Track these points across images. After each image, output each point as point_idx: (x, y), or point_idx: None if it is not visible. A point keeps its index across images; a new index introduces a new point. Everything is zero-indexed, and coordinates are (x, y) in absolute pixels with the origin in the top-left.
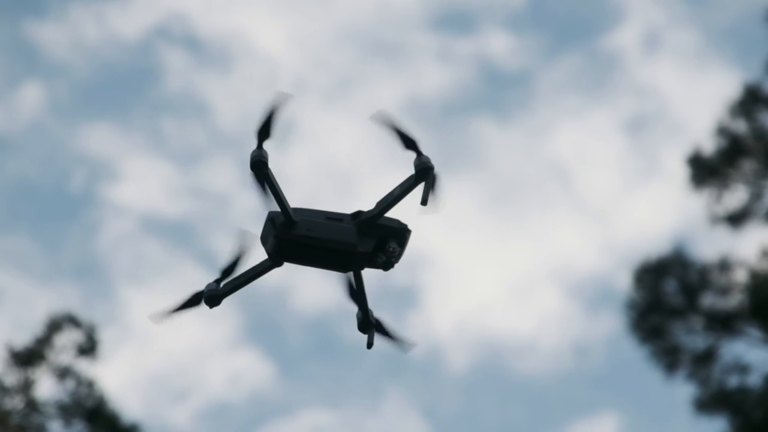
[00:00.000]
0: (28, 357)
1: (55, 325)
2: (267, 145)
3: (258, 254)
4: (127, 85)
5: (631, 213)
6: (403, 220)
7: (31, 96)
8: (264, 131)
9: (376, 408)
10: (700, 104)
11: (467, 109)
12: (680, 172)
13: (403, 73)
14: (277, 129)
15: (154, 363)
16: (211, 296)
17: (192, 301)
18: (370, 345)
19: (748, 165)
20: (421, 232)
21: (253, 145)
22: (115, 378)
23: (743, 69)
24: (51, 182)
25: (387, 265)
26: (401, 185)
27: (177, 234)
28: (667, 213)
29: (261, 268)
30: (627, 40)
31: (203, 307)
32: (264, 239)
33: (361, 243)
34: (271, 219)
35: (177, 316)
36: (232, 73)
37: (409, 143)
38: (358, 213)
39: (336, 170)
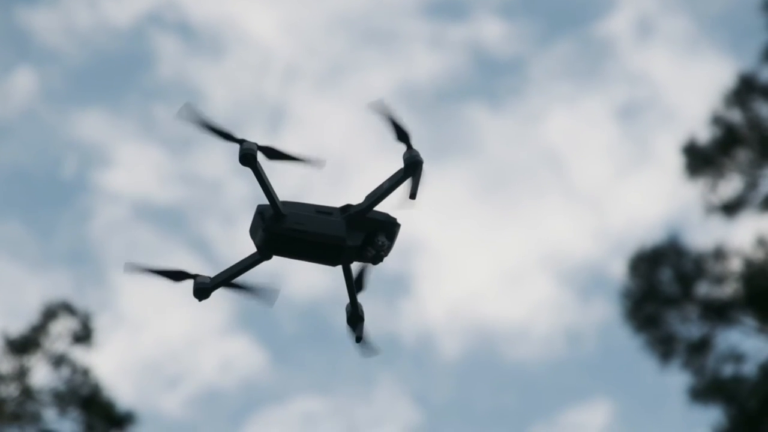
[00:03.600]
0: (23, 345)
1: (50, 313)
2: (247, 135)
3: (247, 247)
4: (120, 72)
5: (623, 200)
6: (392, 214)
7: (23, 82)
8: (221, 134)
9: (368, 395)
10: (693, 91)
11: (459, 95)
12: (673, 159)
13: (396, 60)
14: (222, 127)
15: (146, 349)
16: (200, 289)
17: (173, 274)
18: (359, 339)
19: (743, 154)
20: (413, 219)
21: (242, 137)
22: (108, 364)
23: (736, 56)
24: (43, 168)
25: (376, 259)
26: (390, 179)
27: (169, 220)
28: (659, 201)
29: (250, 262)
30: (620, 27)
31: (179, 285)
32: (253, 232)
33: (350, 237)
34: (260, 212)
35: (152, 277)
36: (225, 60)
37: (401, 136)
38: (347, 206)
39: (328, 157)
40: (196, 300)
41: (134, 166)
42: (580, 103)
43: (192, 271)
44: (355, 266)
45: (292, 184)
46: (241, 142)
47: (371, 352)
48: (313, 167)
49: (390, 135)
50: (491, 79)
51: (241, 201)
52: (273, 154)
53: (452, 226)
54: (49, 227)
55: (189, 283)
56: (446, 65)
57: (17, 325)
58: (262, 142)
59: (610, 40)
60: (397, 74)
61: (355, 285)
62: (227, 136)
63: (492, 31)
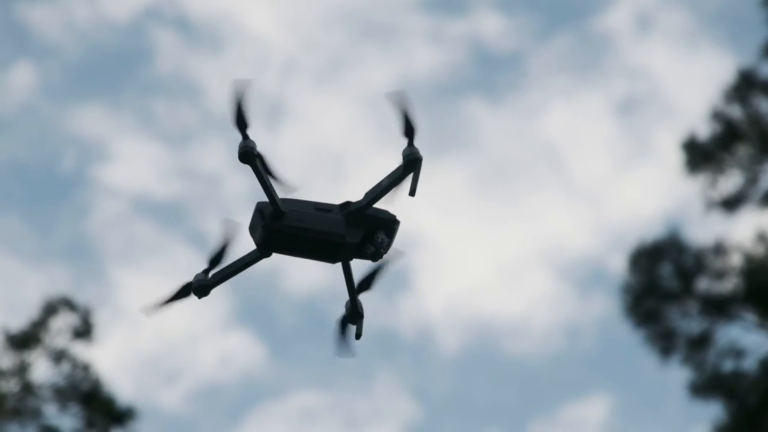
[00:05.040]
0: (24, 340)
1: (50, 309)
2: (252, 132)
3: (246, 244)
4: (118, 66)
5: (622, 195)
6: (392, 211)
7: (22, 77)
8: (240, 122)
9: (367, 389)
10: (692, 86)
11: (458, 90)
12: (672, 154)
13: (394, 55)
14: (250, 115)
15: (146, 344)
16: (200, 287)
17: (182, 293)
18: (358, 336)
19: (743, 150)
20: (413, 214)
21: (240, 134)
22: (107, 359)
23: (735, 50)
24: (42, 163)
25: (375, 256)
26: (389, 176)
27: (168, 215)
28: (658, 196)
29: (249, 259)
30: (618, 22)
31: (193, 298)
32: (252, 230)
33: (349, 234)
34: (259, 209)
35: (167, 308)
36: (223, 54)
37: (408, 131)
38: (347, 204)
39: (327, 151)
40: (196, 297)
41: (133, 161)
42: (579, 97)
43: (188, 273)
44: (368, 266)
45: (292, 175)
46: (245, 137)
47: (349, 351)
48: (285, 191)
49: (398, 129)
50: (490, 73)
51: (239, 196)
52: (262, 163)
53: (451, 220)
54: (48, 222)
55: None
56: (445, 60)
57: (17, 320)
58: (261, 138)
59: (609, 35)
60: (395, 69)
61: (363, 283)
62: (242, 125)
63: (491, 25)
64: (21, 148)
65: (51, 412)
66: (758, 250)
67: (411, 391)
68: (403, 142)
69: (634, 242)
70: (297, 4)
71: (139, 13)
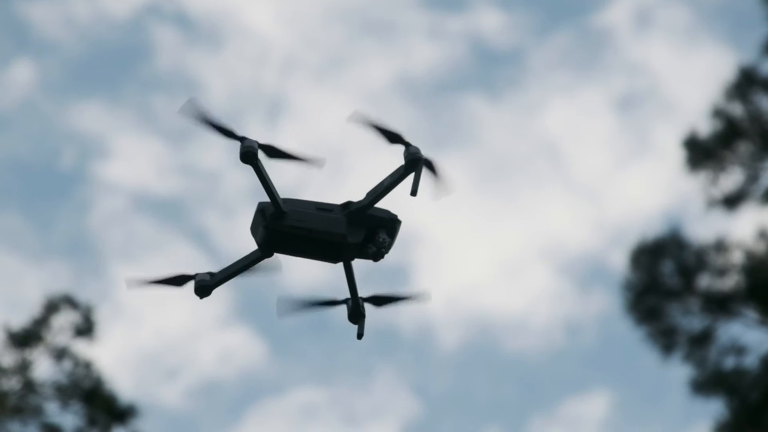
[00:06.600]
0: (25, 338)
1: (52, 306)
2: (249, 130)
3: (247, 238)
4: (118, 63)
5: (622, 192)
6: (393, 210)
7: (21, 74)
8: (223, 132)
9: (367, 386)
10: (692, 82)
11: (458, 86)
12: (673, 151)
13: (394, 51)
14: (224, 124)
15: (146, 341)
16: (202, 287)
17: (174, 280)
18: (360, 335)
19: (744, 147)
20: (412, 211)
21: (242, 132)
22: (107, 356)
23: (735, 47)
24: (42, 160)
25: (377, 256)
26: (391, 176)
27: (168, 211)
28: (658, 192)
29: (251, 259)
30: (618, 18)
31: (184, 289)
32: (254, 230)
33: (350, 233)
34: (260, 210)
35: (155, 289)
36: (223, 51)
37: (393, 138)
38: (348, 203)
39: (326, 149)
40: (198, 297)
41: (133, 158)
42: (578, 93)
43: (190, 268)
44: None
45: (291, 180)
46: (242, 139)
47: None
48: (313, 166)
49: (382, 141)
50: (490, 70)
51: (240, 193)
52: (273, 152)
53: (451, 217)
54: (48, 219)
55: (191, 282)
56: (445, 56)
57: (19, 318)
58: (260, 135)
59: (609, 31)
60: (395, 65)
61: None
62: (228, 134)
63: (491, 22)
64: (21, 144)
65: (52, 409)
66: (759, 248)
67: (411, 388)
68: (399, 148)
69: (634, 239)
70: (296, 0)
71: (139, 10)
